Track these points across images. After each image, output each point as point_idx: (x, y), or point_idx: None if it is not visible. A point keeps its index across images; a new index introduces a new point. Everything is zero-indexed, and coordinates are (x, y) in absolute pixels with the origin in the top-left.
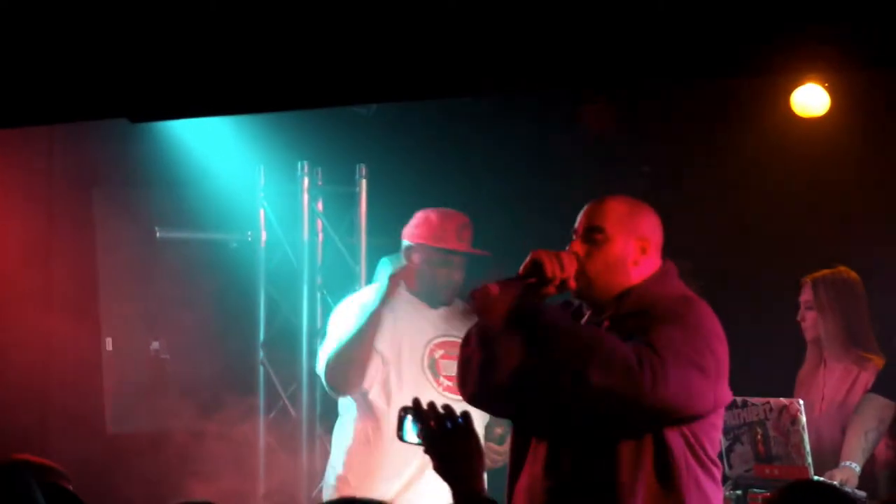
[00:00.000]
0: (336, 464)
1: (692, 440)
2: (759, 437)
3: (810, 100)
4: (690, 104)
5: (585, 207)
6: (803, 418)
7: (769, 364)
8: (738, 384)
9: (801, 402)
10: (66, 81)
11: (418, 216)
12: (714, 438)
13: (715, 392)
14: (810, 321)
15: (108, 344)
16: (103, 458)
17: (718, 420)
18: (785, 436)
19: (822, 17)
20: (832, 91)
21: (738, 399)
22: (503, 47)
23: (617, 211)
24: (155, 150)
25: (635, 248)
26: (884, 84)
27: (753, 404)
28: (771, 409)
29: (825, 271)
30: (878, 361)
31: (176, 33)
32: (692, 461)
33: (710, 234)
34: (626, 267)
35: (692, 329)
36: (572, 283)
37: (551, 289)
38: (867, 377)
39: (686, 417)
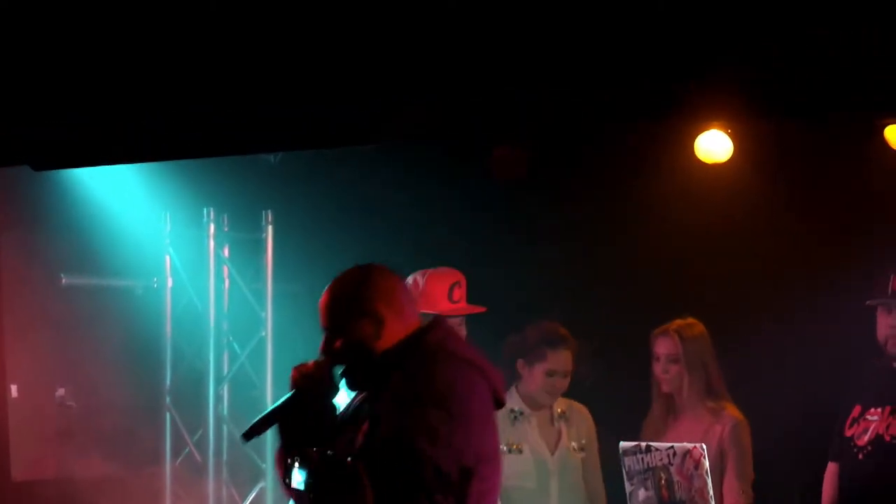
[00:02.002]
0: None
1: None
2: (662, 482)
3: (714, 145)
4: (594, 149)
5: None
6: (706, 463)
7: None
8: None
9: (704, 446)
10: None
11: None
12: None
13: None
14: (674, 373)
15: (13, 391)
16: None
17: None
18: (688, 480)
19: (726, 65)
20: (735, 137)
21: (643, 444)
22: (404, 97)
23: (336, 302)
24: (60, 197)
25: (368, 325)
26: (786, 131)
27: (657, 449)
28: (674, 454)
29: (680, 322)
30: (730, 409)
31: (76, 82)
32: None
33: (605, 279)
34: (372, 348)
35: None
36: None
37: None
38: (720, 428)
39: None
